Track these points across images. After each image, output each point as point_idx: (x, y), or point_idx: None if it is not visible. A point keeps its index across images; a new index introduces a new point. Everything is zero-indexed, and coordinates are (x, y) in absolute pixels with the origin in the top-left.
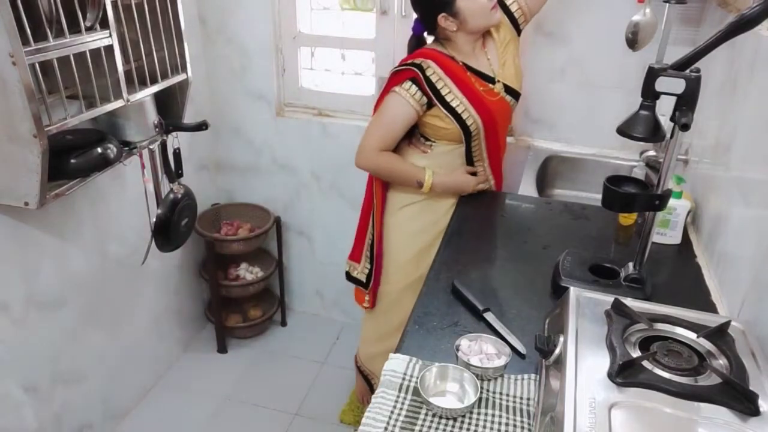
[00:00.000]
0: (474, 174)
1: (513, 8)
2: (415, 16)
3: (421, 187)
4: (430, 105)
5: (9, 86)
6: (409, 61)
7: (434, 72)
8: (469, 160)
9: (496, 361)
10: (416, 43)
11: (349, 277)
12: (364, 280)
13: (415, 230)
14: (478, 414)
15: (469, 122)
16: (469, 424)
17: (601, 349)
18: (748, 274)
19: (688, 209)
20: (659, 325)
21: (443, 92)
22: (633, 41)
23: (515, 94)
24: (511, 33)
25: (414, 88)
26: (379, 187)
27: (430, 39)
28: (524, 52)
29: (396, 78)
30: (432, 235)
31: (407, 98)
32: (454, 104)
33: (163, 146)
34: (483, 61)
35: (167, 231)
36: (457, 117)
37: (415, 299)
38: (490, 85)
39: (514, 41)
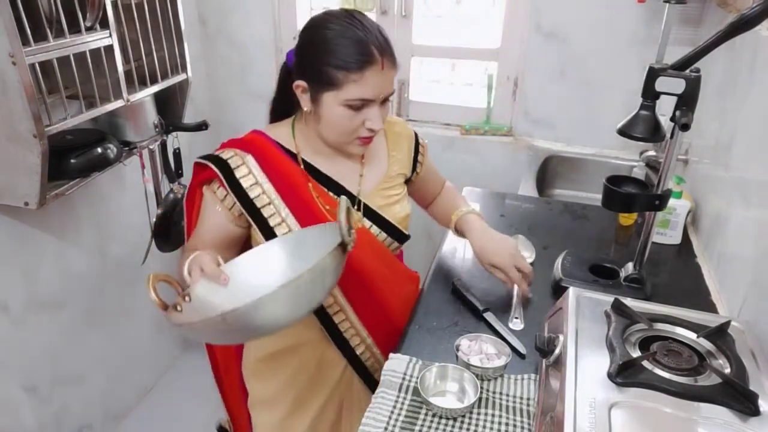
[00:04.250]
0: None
1: (420, 143)
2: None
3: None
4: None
5: (9, 86)
6: (217, 152)
7: (249, 173)
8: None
9: (496, 361)
10: (284, 77)
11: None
12: None
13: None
14: (478, 414)
15: None
16: (469, 424)
17: (601, 349)
18: (748, 274)
19: (688, 209)
20: (659, 325)
21: (258, 203)
22: None
23: (392, 231)
24: (408, 167)
25: (223, 191)
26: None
27: None
28: (524, 52)
29: (198, 173)
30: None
31: (217, 205)
32: (271, 222)
33: (163, 146)
34: (347, 171)
35: (167, 231)
36: (272, 235)
37: None
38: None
39: (403, 181)
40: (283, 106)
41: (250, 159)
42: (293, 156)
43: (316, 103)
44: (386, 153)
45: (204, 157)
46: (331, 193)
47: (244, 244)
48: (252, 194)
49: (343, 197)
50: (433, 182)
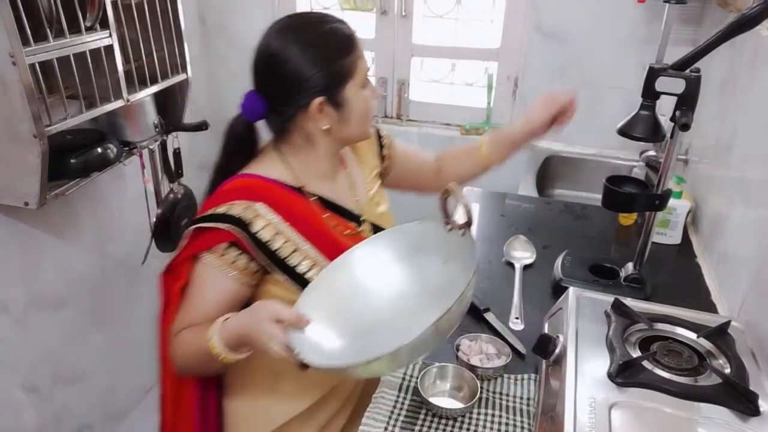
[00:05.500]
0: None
1: (381, 134)
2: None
3: (219, 360)
4: (265, 271)
5: (9, 86)
6: (221, 209)
7: (268, 224)
8: None
9: (496, 361)
10: (244, 134)
11: None
12: None
13: None
14: (478, 414)
15: None
16: (469, 424)
17: (601, 349)
18: (748, 274)
19: (688, 209)
20: (659, 325)
21: (284, 252)
22: None
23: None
24: (377, 161)
25: (234, 253)
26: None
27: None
28: (524, 52)
29: (201, 240)
30: None
31: (224, 270)
32: (301, 269)
33: (163, 146)
34: (342, 189)
35: (167, 231)
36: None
37: None
38: (355, 225)
39: (379, 176)
40: (241, 160)
41: (262, 207)
42: (298, 191)
43: (340, 107)
44: (354, 157)
45: (207, 219)
46: (344, 218)
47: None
48: (275, 246)
49: (452, 184)
50: (419, 161)
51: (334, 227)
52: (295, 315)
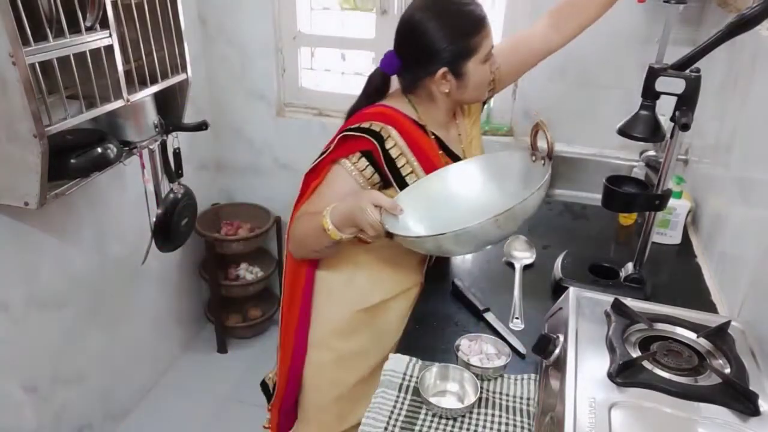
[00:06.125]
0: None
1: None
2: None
3: (332, 239)
4: (385, 184)
5: (9, 86)
6: (365, 124)
7: (395, 144)
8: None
9: (496, 361)
10: (381, 83)
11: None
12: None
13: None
14: (478, 414)
15: None
16: (469, 424)
17: (601, 349)
18: (748, 274)
19: (688, 209)
20: (659, 325)
21: (404, 172)
22: None
23: None
24: (479, 108)
25: (365, 162)
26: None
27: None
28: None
29: (345, 146)
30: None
31: (354, 175)
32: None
33: (163, 146)
34: (453, 136)
35: (167, 231)
36: None
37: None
38: None
39: (479, 119)
40: (372, 100)
41: (393, 131)
42: (422, 128)
43: (460, 77)
44: (464, 113)
45: (355, 129)
46: (451, 158)
47: None
48: (399, 163)
49: (540, 120)
50: (527, 45)
51: (445, 164)
52: (391, 202)
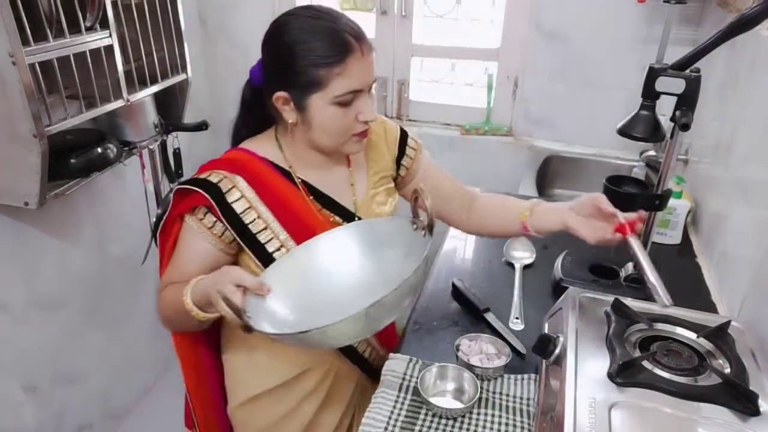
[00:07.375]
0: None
1: (409, 145)
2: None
3: (192, 317)
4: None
5: (9, 86)
6: (203, 175)
7: (241, 196)
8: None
9: (496, 361)
10: (250, 96)
11: None
12: None
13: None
14: (478, 414)
15: None
16: (469, 424)
17: (601, 349)
18: (748, 274)
19: (688, 209)
20: (659, 325)
21: (254, 228)
22: None
23: None
24: (392, 166)
25: (211, 219)
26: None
27: None
28: (524, 52)
29: (184, 202)
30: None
31: (203, 233)
32: (268, 247)
33: (163, 146)
34: (336, 183)
35: None
36: (270, 261)
37: None
38: (342, 221)
39: (390, 180)
40: (251, 125)
41: (240, 181)
42: (285, 173)
43: (303, 111)
44: (364, 156)
45: (188, 183)
46: (333, 211)
47: None
48: (247, 219)
49: (421, 185)
50: (449, 190)
51: (318, 211)
52: (256, 282)
